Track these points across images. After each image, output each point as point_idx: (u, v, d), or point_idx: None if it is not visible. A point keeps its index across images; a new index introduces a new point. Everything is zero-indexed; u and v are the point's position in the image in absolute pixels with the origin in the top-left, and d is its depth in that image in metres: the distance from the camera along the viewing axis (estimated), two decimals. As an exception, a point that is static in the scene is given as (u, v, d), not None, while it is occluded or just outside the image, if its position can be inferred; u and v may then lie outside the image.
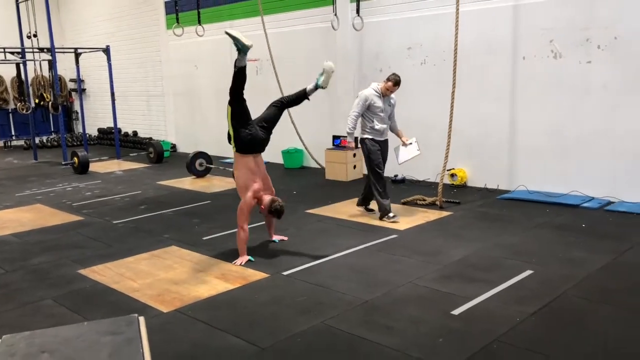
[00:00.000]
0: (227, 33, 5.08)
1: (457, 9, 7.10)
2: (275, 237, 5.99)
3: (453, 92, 7.24)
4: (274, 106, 5.62)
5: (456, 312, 4.10)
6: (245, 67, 5.14)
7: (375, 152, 6.69)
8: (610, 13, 6.89)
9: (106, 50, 12.49)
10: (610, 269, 4.89)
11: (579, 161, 7.38)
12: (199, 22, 11.31)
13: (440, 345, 3.63)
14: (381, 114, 6.63)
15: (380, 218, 6.71)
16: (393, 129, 6.93)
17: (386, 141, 6.85)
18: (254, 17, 10.69)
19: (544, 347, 3.55)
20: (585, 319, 3.96)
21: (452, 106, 7.26)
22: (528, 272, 4.84)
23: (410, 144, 6.90)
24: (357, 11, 9.13)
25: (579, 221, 6.39)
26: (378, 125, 6.63)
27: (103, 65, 13.29)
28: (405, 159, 6.95)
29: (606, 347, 3.55)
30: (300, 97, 5.67)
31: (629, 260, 5.10)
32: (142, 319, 2.25)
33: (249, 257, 5.36)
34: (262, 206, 5.43)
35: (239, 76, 5.15)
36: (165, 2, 13.15)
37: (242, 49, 5.05)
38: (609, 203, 7.04)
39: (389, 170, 9.32)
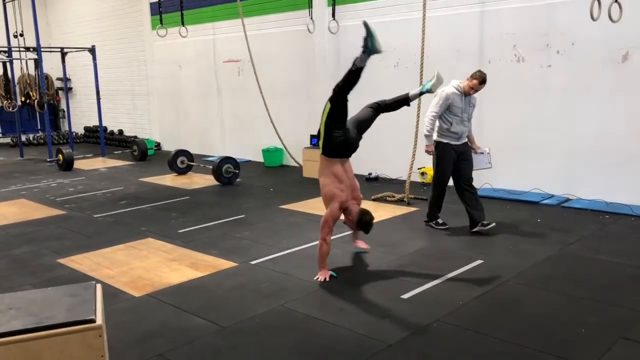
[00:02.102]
0: (364, 24, 4.44)
1: (424, 15, 7.47)
2: (358, 243, 5.66)
3: (421, 93, 7.57)
4: (369, 107, 5.09)
5: (405, 296, 4.46)
6: (363, 68, 4.54)
7: (447, 159, 6.13)
8: (568, 20, 7.28)
9: (92, 50, 12.76)
10: (553, 259, 5.27)
11: (540, 160, 7.77)
12: (183, 24, 11.60)
13: (385, 325, 3.99)
14: (461, 115, 6.05)
15: (427, 222, 6.48)
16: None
17: (465, 144, 6.23)
18: (236, 19, 11.00)
19: (479, 327, 3.91)
20: (522, 303, 4.33)
21: (419, 107, 7.61)
22: (478, 262, 5.21)
23: (482, 153, 6.43)
24: (333, 15, 9.48)
25: (535, 217, 6.78)
26: (456, 128, 6.04)
27: (89, 65, 13.54)
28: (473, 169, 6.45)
29: (538, 327, 3.91)
30: (400, 102, 5.13)
31: (572, 252, 5.49)
32: (98, 286, 2.58)
33: (331, 273, 4.92)
34: (349, 217, 5.03)
35: (354, 76, 4.58)
36: (150, 3, 13.43)
37: (370, 48, 4.43)
38: (567, 200, 7.44)
39: (371, 168, 9.69)
